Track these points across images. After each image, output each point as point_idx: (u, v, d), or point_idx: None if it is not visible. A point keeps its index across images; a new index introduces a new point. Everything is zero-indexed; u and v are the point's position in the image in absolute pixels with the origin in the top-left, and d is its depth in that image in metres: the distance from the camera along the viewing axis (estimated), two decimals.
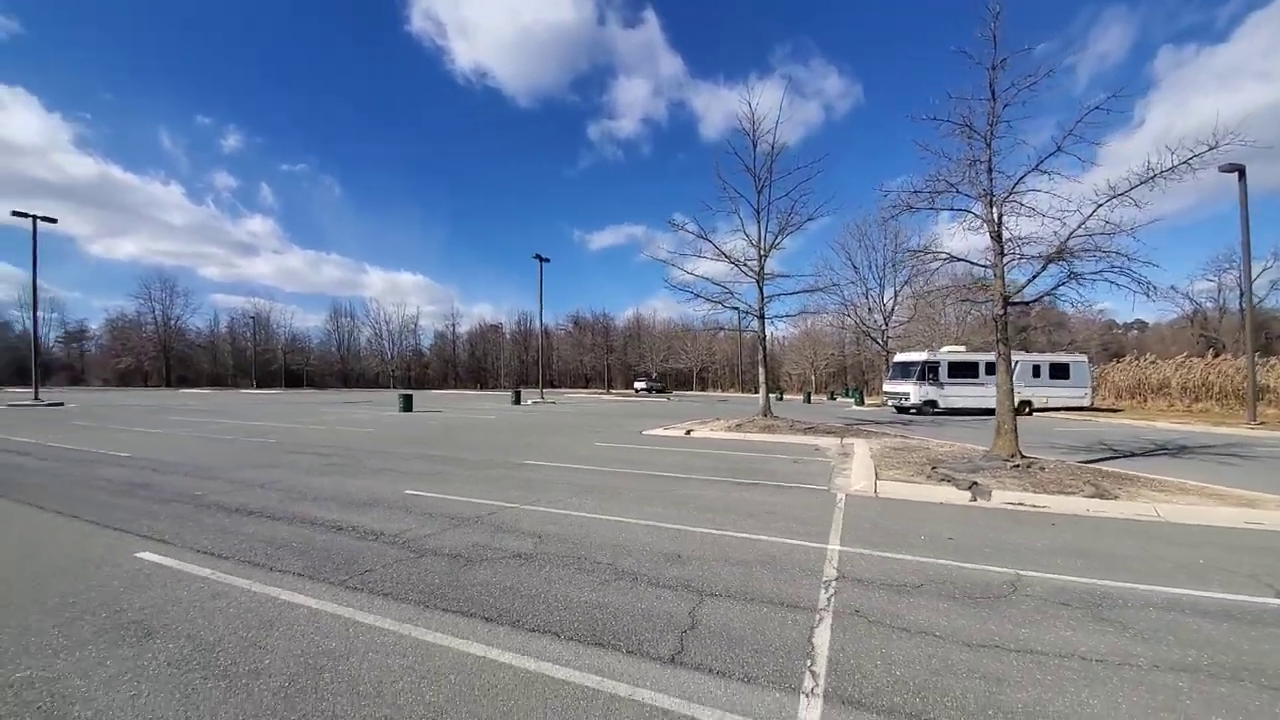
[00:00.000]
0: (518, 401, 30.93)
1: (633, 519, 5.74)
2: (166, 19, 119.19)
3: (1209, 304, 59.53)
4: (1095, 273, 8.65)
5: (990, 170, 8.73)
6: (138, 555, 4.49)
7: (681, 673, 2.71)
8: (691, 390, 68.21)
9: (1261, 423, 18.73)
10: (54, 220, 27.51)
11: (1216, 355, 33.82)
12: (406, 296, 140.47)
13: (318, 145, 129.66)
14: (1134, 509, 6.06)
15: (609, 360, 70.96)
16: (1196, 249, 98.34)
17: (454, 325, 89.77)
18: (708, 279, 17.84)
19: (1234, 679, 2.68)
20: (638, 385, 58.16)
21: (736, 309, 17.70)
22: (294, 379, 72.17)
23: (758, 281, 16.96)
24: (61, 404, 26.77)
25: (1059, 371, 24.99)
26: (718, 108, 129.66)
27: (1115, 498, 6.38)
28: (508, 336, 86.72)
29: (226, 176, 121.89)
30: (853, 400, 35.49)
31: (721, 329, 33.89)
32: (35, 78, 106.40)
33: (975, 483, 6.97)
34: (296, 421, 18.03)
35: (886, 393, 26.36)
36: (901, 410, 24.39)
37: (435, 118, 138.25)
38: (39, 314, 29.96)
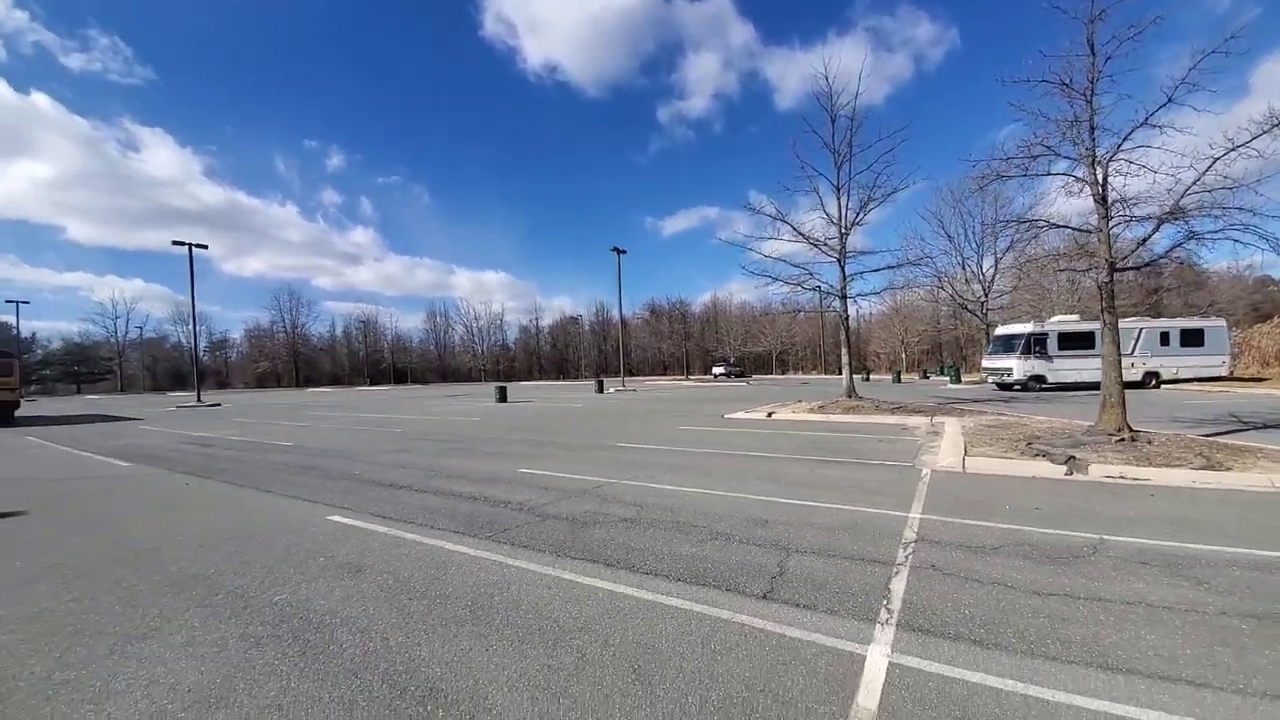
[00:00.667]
0: (601, 390, 32.31)
1: (721, 491, 6.33)
2: (269, 56, 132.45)
3: None
4: (1215, 232, 8.02)
5: (1093, 129, 8.28)
6: (329, 518, 5.70)
7: (772, 605, 3.28)
8: (771, 374, 67.17)
9: None
10: (205, 246, 32.21)
11: None
12: (491, 294, 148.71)
13: (407, 157, 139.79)
14: (1246, 480, 5.79)
15: (686, 346, 71.42)
16: None
17: (537, 320, 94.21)
18: (786, 260, 17.86)
19: (1215, 585, 2.84)
20: (716, 370, 58.20)
21: (817, 289, 17.53)
22: (400, 375, 79.21)
23: (839, 260, 16.74)
24: (219, 404, 31.47)
25: (1191, 338, 22.36)
26: (793, 73, 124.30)
27: (1228, 469, 6.08)
28: (586, 328, 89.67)
29: (332, 193, 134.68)
30: (948, 378, 33.57)
31: (801, 310, 33.10)
32: (170, 118, 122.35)
33: (1072, 456, 6.86)
34: (411, 413, 20.23)
35: (986, 369, 24.86)
36: (1003, 387, 22.98)
37: (510, 119, 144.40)
38: (194, 327, 35.29)
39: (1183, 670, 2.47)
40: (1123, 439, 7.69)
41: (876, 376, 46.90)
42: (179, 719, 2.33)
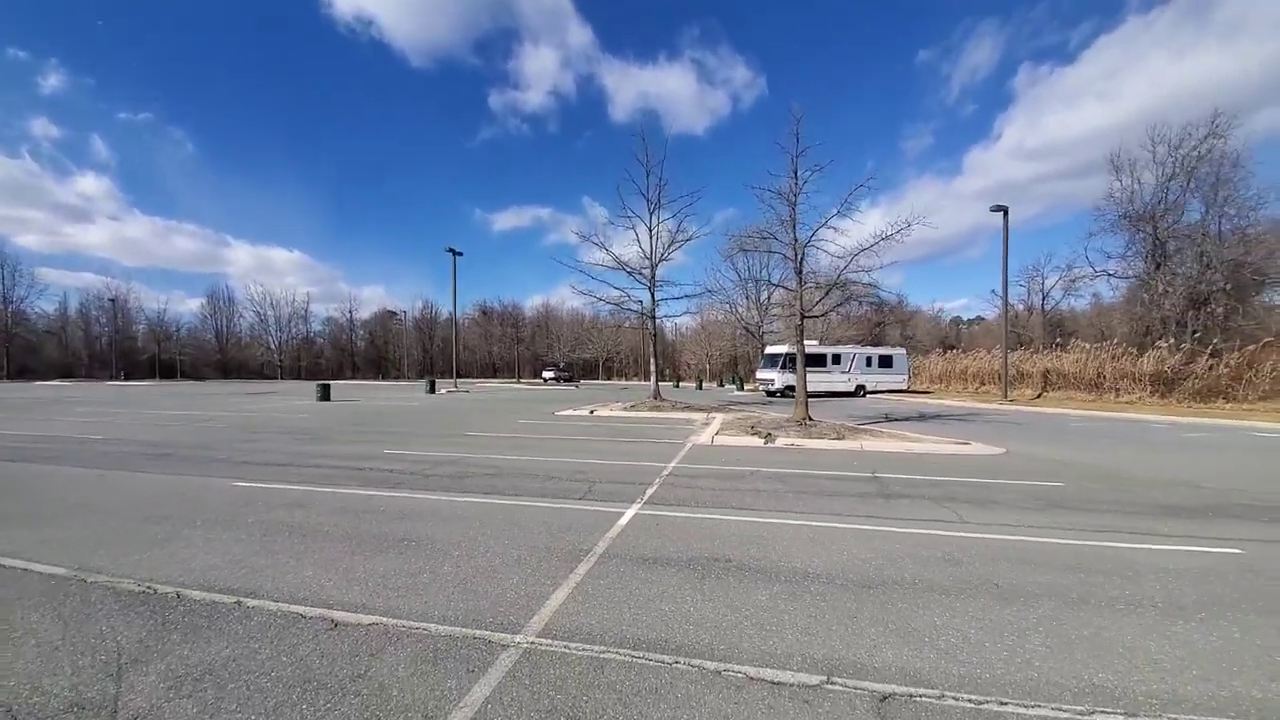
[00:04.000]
0: (433, 390, 32.59)
1: (553, 458, 9.04)
2: None
3: (1020, 305, 73.67)
4: (861, 297, 13.23)
5: (794, 225, 12.93)
6: (236, 483, 7.04)
7: (586, 501, 6.10)
8: (598, 379, 71.73)
9: (1011, 400, 25.74)
10: None
11: (1024, 348, 43.21)
12: (281, 275, 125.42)
13: (162, 91, 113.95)
14: (851, 445, 10.38)
15: (518, 350, 72.49)
16: (1013, 259, 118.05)
17: (351, 312, 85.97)
18: (608, 283, 21.29)
19: (819, 493, 6.59)
20: (546, 375, 60.53)
21: (631, 311, 21.29)
22: (167, 370, 66.03)
23: (649, 288, 20.70)
24: None
25: (885, 362, 31.60)
26: (628, 87, 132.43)
27: (843, 439, 10.71)
28: (410, 325, 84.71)
29: (48, 124, 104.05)
30: (734, 386, 41.02)
31: (626, 323, 37.54)
32: None
33: (770, 434, 11.08)
34: (220, 410, 19.06)
35: (758, 379, 31.60)
36: (770, 394, 29.57)
37: (312, 71, 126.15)
38: None
39: (762, 506, 5.89)
40: (802, 424, 12.33)
41: (686, 384, 54.05)
42: (223, 570, 4.29)
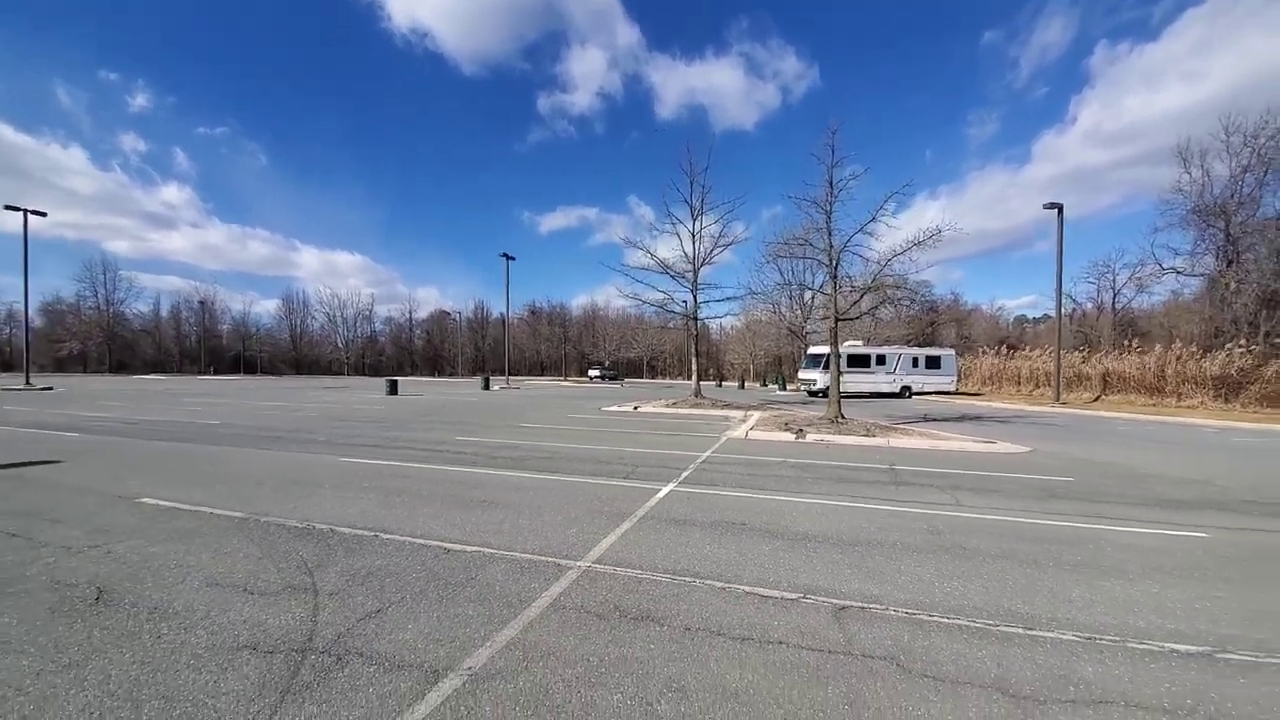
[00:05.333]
0: (487, 387, 34.62)
1: (600, 446, 10.17)
2: None
3: (1088, 303, 69.89)
4: (898, 299, 13.75)
5: (830, 232, 13.57)
6: (345, 459, 8.51)
7: (629, 480, 7.17)
8: (643, 378, 73.01)
9: (1063, 403, 25.12)
10: (44, 215, 28.73)
11: (1089, 348, 41.27)
12: (344, 277, 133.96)
13: (237, 106, 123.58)
14: (879, 441, 11.02)
15: (565, 349, 74.64)
16: (1086, 252, 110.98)
17: (410, 312, 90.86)
18: (653, 286, 22.35)
19: (835, 479, 7.43)
20: (592, 373, 62.42)
21: (674, 313, 22.25)
22: (248, 365, 72.01)
23: (692, 290, 21.61)
24: (50, 388, 28.43)
25: (932, 363, 31.24)
26: (675, 84, 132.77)
27: (873, 436, 11.35)
28: (463, 324, 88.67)
29: (135, 139, 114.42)
30: (775, 386, 41.28)
31: (670, 324, 38.50)
32: None
33: (800, 430, 11.84)
34: (304, 402, 21.34)
35: (800, 379, 31.90)
36: (811, 394, 29.86)
37: (372, 83, 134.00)
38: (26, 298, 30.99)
39: (781, 488, 6.80)
40: (834, 422, 12.98)
41: (728, 383, 54.49)
42: (357, 516, 5.58)
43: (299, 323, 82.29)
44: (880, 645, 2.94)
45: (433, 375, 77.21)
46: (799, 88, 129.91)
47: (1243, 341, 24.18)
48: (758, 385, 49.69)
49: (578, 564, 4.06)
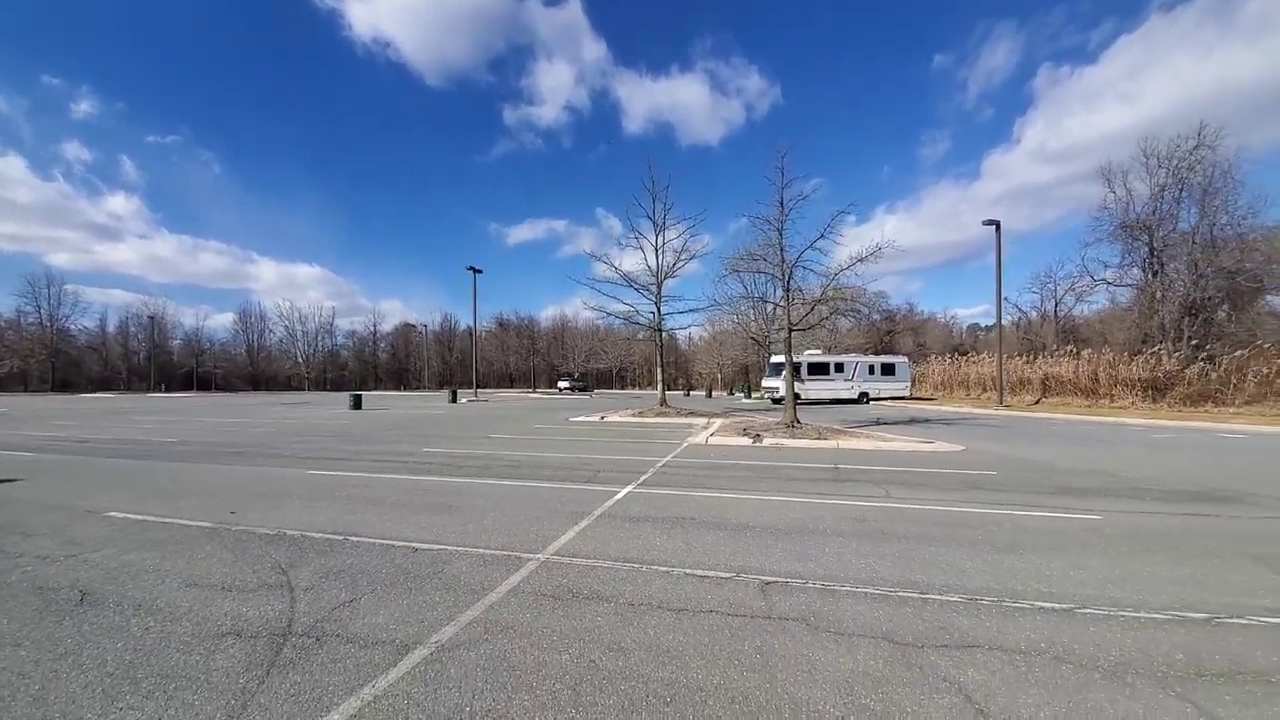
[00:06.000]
0: (454, 400, 34.40)
1: (564, 454, 10.53)
2: None
3: (1033, 311, 73.89)
4: (844, 311, 14.59)
5: (782, 248, 14.36)
6: (310, 472, 8.64)
7: (590, 484, 7.56)
8: (613, 388, 73.31)
9: (1007, 406, 26.65)
10: None
11: (1034, 354, 43.64)
12: (303, 290, 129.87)
13: (189, 113, 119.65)
14: (829, 444, 11.70)
15: (533, 361, 74.39)
16: (1033, 263, 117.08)
17: (375, 325, 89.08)
18: (617, 298, 22.85)
19: (782, 478, 7.98)
20: (561, 385, 62.32)
21: (638, 324, 22.81)
22: (201, 382, 69.20)
23: (656, 302, 22.21)
24: None
25: (887, 369, 32.65)
26: (642, 99, 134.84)
27: (824, 439, 12.04)
28: (430, 337, 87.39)
29: (79, 148, 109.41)
30: (741, 395, 42.26)
31: (639, 335, 39.08)
32: None
33: (758, 435, 12.45)
34: (263, 418, 20.95)
35: (764, 387, 32.83)
36: (775, 401, 30.74)
37: (332, 92, 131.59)
38: None
39: (731, 487, 7.31)
40: (790, 427, 13.66)
41: (697, 392, 55.35)
42: (326, 523, 5.83)
43: (256, 337, 79.68)
44: (795, 610, 3.44)
45: (399, 389, 75.75)
46: (762, 105, 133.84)
47: (1168, 346, 26.20)
48: (725, 394, 50.65)
49: (537, 557, 4.44)
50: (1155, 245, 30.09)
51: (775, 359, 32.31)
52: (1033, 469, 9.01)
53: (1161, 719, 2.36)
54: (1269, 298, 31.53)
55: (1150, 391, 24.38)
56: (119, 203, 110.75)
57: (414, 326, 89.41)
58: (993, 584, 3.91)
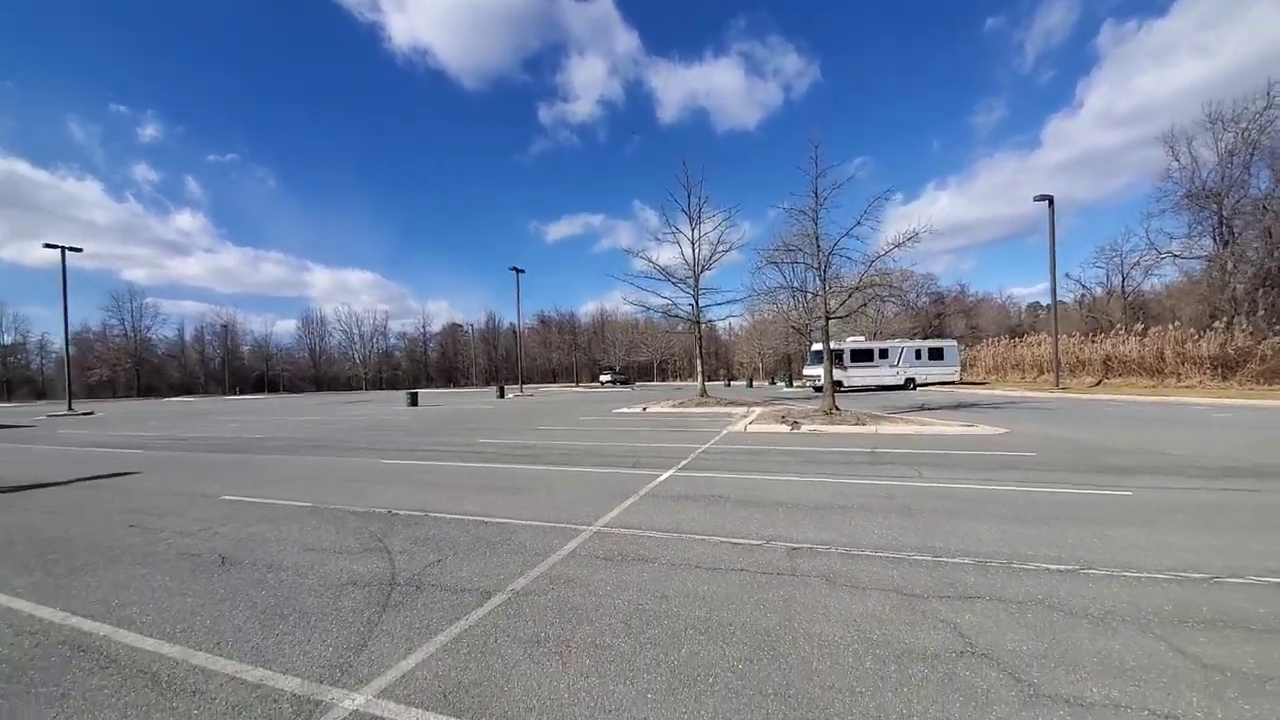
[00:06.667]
0: (502, 395, 35.83)
1: (609, 443, 11.17)
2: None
3: (1098, 287, 69.67)
4: (883, 296, 14.61)
5: (817, 238, 14.49)
6: (382, 461, 9.60)
7: (634, 469, 8.16)
8: (654, 381, 73.98)
9: (1064, 388, 25.68)
10: (79, 250, 30.46)
11: (1100, 333, 41.35)
12: (356, 294, 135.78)
13: (246, 132, 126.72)
14: (867, 429, 11.89)
15: (575, 356, 75.86)
16: (1099, 235, 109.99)
17: (424, 326, 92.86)
18: (655, 293, 23.38)
19: (818, 462, 8.36)
20: (603, 378, 63.44)
21: (677, 317, 23.26)
22: (271, 384, 74.17)
23: (694, 295, 22.59)
24: (91, 413, 30.11)
25: (935, 354, 31.85)
26: (675, 87, 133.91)
27: (863, 425, 12.23)
28: (476, 335, 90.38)
29: (147, 169, 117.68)
30: (783, 384, 42.10)
31: (679, 328, 39.50)
32: None
33: (796, 422, 12.75)
34: (332, 416, 22.62)
35: (805, 376, 32.68)
36: (816, 389, 30.61)
37: (376, 102, 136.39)
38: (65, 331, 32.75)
39: (768, 470, 7.76)
40: (828, 414, 13.86)
41: (737, 382, 55.32)
42: (408, 502, 6.63)
43: (317, 341, 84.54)
44: (816, 569, 3.91)
45: (448, 386, 78.90)
46: (800, 85, 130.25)
47: (1240, 320, 24.59)
48: (766, 383, 50.40)
49: (589, 528, 5.06)
50: (1225, 213, 28.16)
51: (816, 347, 32.08)
52: (1074, 449, 9.01)
53: (1134, 653, 2.73)
54: None
55: (1220, 369, 23.00)
56: (186, 219, 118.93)
57: (460, 326, 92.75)
58: (1005, 549, 4.25)
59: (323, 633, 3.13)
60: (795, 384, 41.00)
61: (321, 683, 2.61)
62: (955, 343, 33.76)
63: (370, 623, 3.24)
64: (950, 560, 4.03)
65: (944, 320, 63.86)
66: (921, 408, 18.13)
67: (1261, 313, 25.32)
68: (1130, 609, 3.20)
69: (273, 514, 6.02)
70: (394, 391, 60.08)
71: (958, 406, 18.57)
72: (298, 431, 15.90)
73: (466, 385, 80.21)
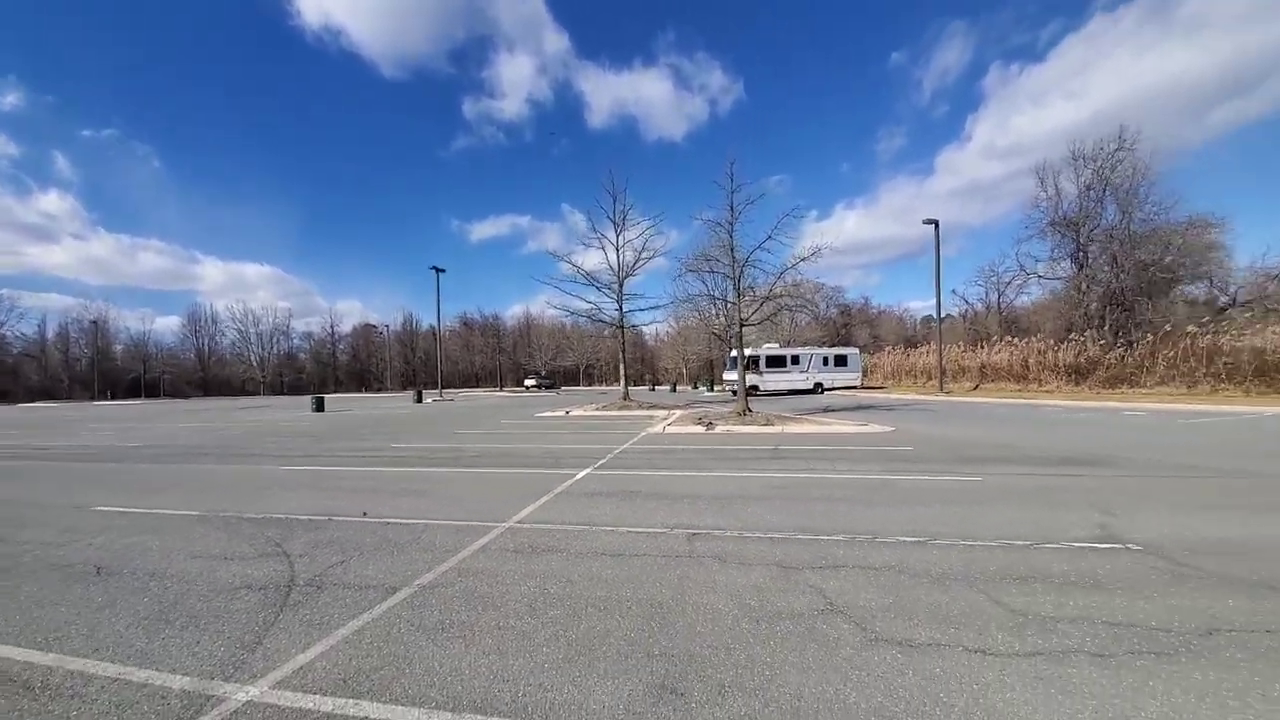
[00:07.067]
0: (420, 400, 34.39)
1: (530, 445, 11.21)
2: None
3: (978, 303, 78.00)
4: (792, 306, 15.66)
5: (733, 248, 15.32)
6: (282, 468, 9.08)
7: (552, 469, 8.29)
8: (579, 385, 73.71)
9: (947, 392, 28.52)
10: None
11: (980, 343, 46.39)
12: (253, 291, 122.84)
13: (125, 106, 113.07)
14: (775, 429, 12.73)
15: (499, 359, 74.07)
16: (983, 256, 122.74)
17: (332, 326, 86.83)
18: (580, 296, 23.53)
19: (726, 458, 8.89)
20: (528, 382, 62.31)
21: (602, 321, 23.56)
22: (148, 389, 66.33)
23: (618, 300, 22.98)
24: None
25: (840, 361, 34.35)
26: (605, 93, 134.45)
27: (772, 425, 13.07)
28: (391, 337, 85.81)
29: (4, 142, 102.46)
30: (704, 389, 43.61)
31: (605, 332, 39.69)
32: None
33: (711, 423, 13.40)
34: (224, 422, 20.79)
35: (725, 381, 34.05)
36: (735, 393, 31.99)
37: (280, 83, 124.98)
38: None
39: (679, 467, 8.15)
40: (741, 415, 14.68)
41: (661, 387, 56.47)
42: (309, 508, 6.41)
43: (206, 341, 76.73)
44: (712, 551, 4.28)
45: (360, 391, 74.27)
46: (725, 101, 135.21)
47: (1092, 333, 28.52)
48: (689, 388, 51.87)
49: (502, 524, 5.17)
50: (1081, 240, 32.56)
51: (734, 353, 33.56)
52: (945, 445, 10.19)
53: (960, 604, 3.28)
54: (1183, 287, 34.64)
55: (1074, 376, 26.57)
56: (52, 201, 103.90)
57: (375, 327, 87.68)
58: (873, 527, 4.85)
59: (214, 634, 3.07)
60: (716, 389, 42.52)
61: (213, 679, 2.59)
62: (858, 351, 36.62)
63: (266, 622, 3.20)
64: (826, 538, 4.55)
65: (850, 330, 68.71)
66: (825, 410, 19.54)
67: (1108, 327, 29.49)
68: (963, 570, 3.81)
69: (155, 524, 5.61)
70: (298, 396, 55.76)
71: (857, 408, 20.18)
72: (182, 439, 14.54)
73: (381, 390, 75.88)
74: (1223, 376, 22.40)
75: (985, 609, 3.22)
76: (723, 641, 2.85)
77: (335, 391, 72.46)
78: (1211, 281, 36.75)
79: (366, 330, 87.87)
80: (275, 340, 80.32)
